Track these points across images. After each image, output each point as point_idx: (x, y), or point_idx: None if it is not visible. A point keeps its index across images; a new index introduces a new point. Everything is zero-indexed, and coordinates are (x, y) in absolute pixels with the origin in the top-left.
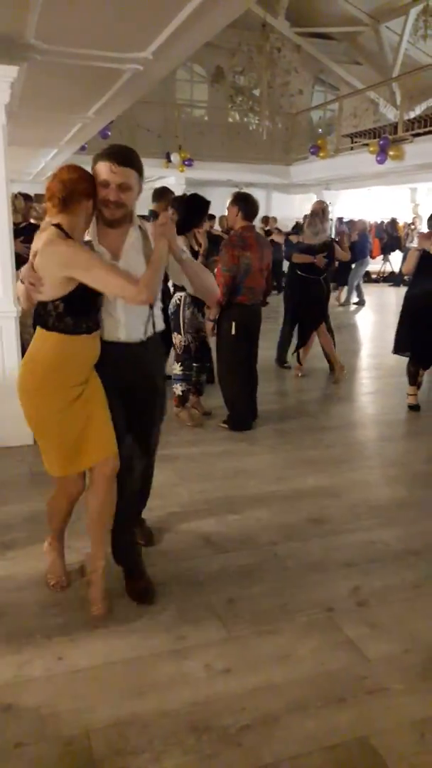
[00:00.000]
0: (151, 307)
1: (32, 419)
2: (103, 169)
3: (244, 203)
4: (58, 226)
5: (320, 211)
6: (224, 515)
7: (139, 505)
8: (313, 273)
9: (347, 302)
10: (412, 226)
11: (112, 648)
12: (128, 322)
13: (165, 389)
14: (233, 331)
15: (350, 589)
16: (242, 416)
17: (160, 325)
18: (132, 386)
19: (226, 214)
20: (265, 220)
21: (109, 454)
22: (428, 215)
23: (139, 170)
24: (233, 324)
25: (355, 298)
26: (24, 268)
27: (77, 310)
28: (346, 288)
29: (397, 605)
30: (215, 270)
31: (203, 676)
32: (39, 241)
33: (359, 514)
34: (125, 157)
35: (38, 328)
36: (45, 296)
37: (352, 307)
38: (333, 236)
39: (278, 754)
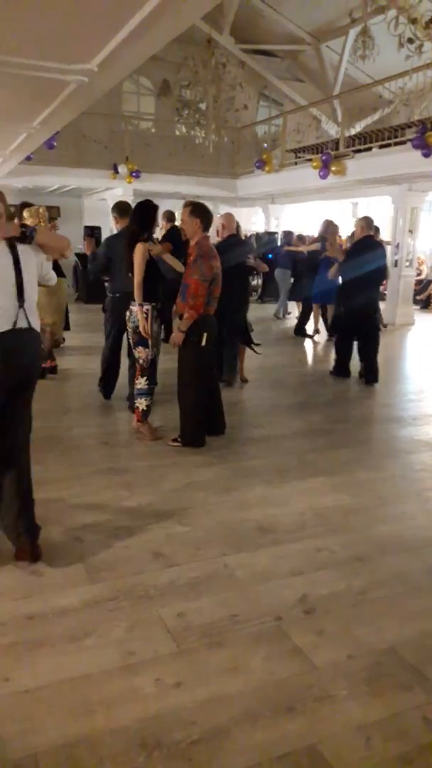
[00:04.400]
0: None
1: None
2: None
3: (205, 216)
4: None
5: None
6: (173, 528)
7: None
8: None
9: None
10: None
11: (59, 667)
12: None
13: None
14: (203, 342)
15: (298, 598)
16: (198, 432)
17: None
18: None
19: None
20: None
21: None
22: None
23: None
24: (204, 335)
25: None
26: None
27: None
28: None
29: (342, 612)
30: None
31: (153, 691)
32: None
33: (305, 522)
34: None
35: None
36: None
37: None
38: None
39: None
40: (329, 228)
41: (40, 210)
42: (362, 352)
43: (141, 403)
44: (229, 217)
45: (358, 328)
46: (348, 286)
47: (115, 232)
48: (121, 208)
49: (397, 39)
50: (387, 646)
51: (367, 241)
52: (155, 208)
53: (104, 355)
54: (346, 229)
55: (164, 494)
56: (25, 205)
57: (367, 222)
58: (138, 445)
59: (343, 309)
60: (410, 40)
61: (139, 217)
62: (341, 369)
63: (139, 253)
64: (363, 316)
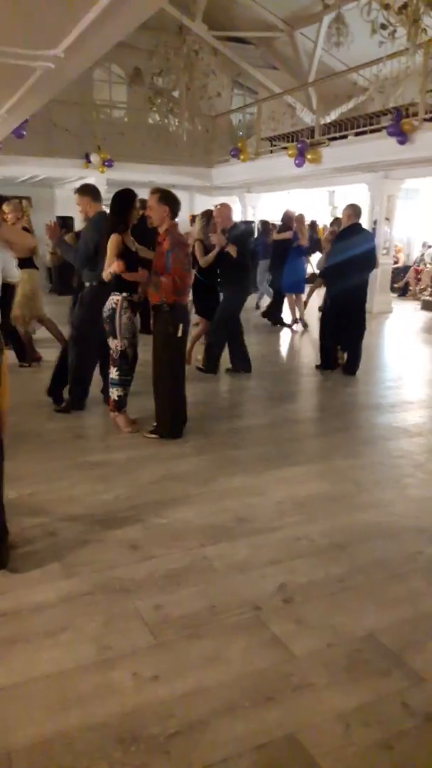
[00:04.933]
0: None
1: None
2: None
3: (174, 203)
4: None
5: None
6: (151, 520)
7: None
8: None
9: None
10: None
11: (34, 663)
12: None
13: None
14: (179, 334)
15: (276, 587)
16: (176, 423)
17: None
18: None
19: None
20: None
21: None
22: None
23: None
24: (180, 326)
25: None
26: None
27: None
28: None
29: (321, 600)
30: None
31: (130, 685)
32: None
33: (284, 511)
34: None
35: None
36: None
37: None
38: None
39: (207, 759)
40: (293, 217)
41: (23, 203)
42: (346, 340)
43: (113, 393)
44: (228, 207)
45: (346, 314)
46: (336, 273)
47: (82, 218)
48: (93, 192)
49: (371, 25)
50: (366, 633)
51: (355, 227)
52: (134, 197)
53: (77, 353)
54: (320, 217)
55: (141, 486)
56: None
57: (354, 210)
58: (114, 438)
59: (330, 296)
60: (383, 26)
61: (117, 207)
62: (329, 361)
63: (112, 244)
64: (351, 303)
